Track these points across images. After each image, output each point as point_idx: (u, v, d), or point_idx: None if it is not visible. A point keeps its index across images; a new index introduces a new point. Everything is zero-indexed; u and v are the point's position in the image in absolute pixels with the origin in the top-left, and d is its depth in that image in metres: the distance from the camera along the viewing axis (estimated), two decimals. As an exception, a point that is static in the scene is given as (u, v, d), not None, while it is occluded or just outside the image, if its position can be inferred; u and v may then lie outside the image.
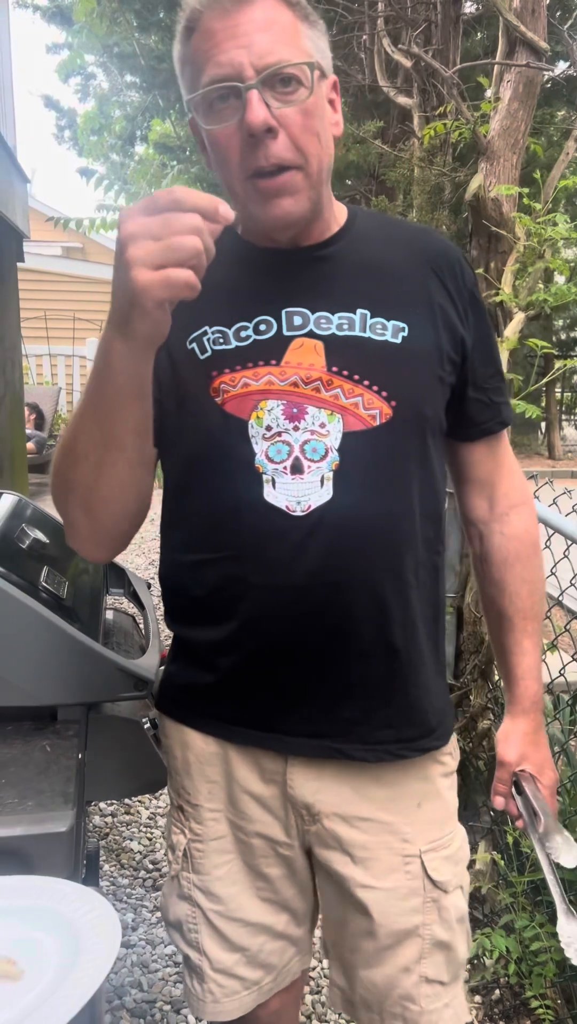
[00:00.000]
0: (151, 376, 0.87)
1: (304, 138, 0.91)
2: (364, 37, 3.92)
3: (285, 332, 0.98)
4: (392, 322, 0.99)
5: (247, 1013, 1.15)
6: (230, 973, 1.12)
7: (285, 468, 0.96)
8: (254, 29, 0.88)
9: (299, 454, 0.96)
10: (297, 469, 0.96)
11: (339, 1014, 1.85)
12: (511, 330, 2.14)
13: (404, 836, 1.07)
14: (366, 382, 0.97)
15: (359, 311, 0.99)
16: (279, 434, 0.97)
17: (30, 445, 6.55)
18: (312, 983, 1.97)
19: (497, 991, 1.93)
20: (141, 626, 1.82)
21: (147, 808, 2.72)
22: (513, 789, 1.12)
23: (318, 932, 1.20)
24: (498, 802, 1.14)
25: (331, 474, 0.96)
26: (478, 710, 2.18)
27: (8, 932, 0.86)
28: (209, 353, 0.99)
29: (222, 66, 0.89)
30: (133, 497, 0.96)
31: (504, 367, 2.10)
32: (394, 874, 1.07)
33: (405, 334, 1.00)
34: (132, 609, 1.97)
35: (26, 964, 0.81)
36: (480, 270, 2.26)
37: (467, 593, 2.16)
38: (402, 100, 3.49)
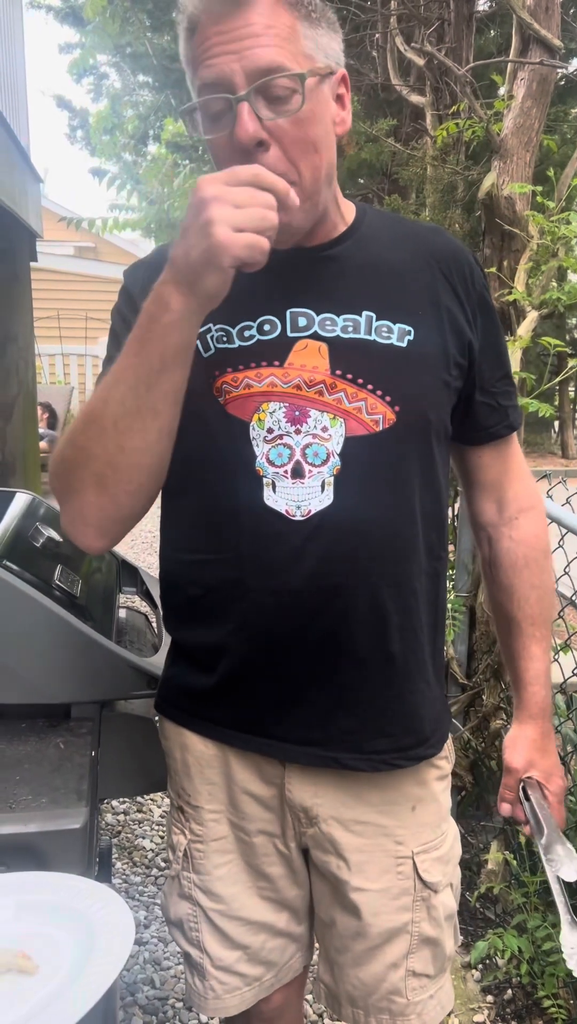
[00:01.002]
0: (195, 342, 0.89)
1: (297, 150, 0.89)
2: (376, 35, 3.92)
3: (289, 333, 0.97)
4: (398, 325, 0.98)
5: (250, 1008, 1.16)
6: (231, 970, 1.13)
7: (286, 472, 0.95)
8: (247, 35, 0.85)
9: (300, 458, 0.95)
10: (298, 473, 0.95)
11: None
12: (524, 329, 2.13)
13: (398, 839, 1.07)
14: (370, 386, 0.96)
15: (364, 313, 0.98)
16: (280, 437, 0.96)
17: (43, 444, 6.57)
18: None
19: (509, 991, 1.92)
20: (154, 624, 1.82)
21: (159, 806, 2.72)
22: (521, 795, 1.12)
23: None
24: (505, 809, 1.13)
25: (332, 479, 0.95)
26: (491, 710, 2.18)
27: (23, 927, 0.86)
28: (212, 351, 0.98)
29: (213, 76, 0.87)
30: (154, 473, 0.94)
31: (517, 366, 2.10)
32: (386, 875, 1.07)
33: (411, 338, 0.98)
34: (145, 608, 1.98)
35: (41, 959, 0.81)
36: (493, 269, 2.25)
37: (480, 592, 2.15)
38: (415, 98, 3.47)
